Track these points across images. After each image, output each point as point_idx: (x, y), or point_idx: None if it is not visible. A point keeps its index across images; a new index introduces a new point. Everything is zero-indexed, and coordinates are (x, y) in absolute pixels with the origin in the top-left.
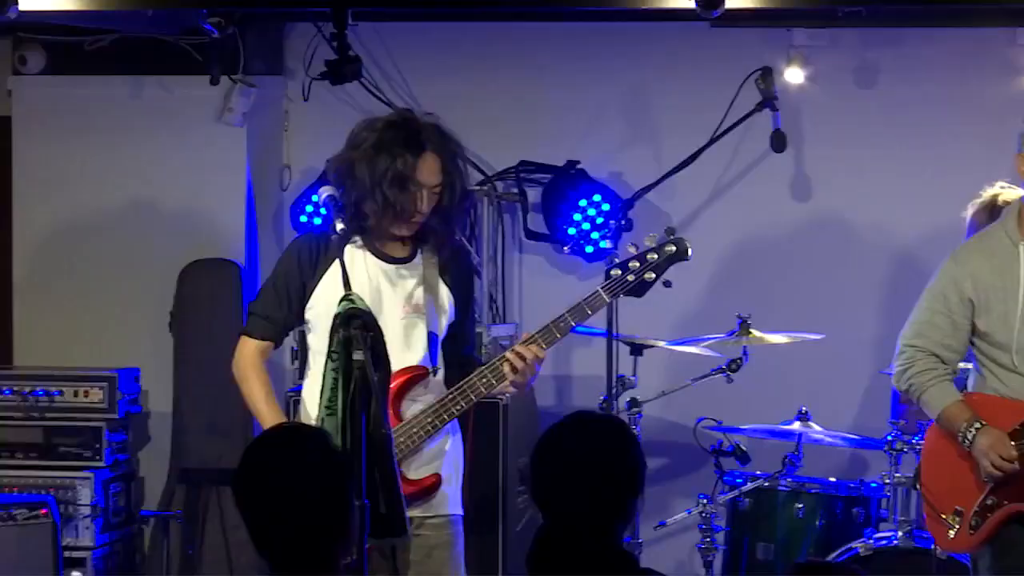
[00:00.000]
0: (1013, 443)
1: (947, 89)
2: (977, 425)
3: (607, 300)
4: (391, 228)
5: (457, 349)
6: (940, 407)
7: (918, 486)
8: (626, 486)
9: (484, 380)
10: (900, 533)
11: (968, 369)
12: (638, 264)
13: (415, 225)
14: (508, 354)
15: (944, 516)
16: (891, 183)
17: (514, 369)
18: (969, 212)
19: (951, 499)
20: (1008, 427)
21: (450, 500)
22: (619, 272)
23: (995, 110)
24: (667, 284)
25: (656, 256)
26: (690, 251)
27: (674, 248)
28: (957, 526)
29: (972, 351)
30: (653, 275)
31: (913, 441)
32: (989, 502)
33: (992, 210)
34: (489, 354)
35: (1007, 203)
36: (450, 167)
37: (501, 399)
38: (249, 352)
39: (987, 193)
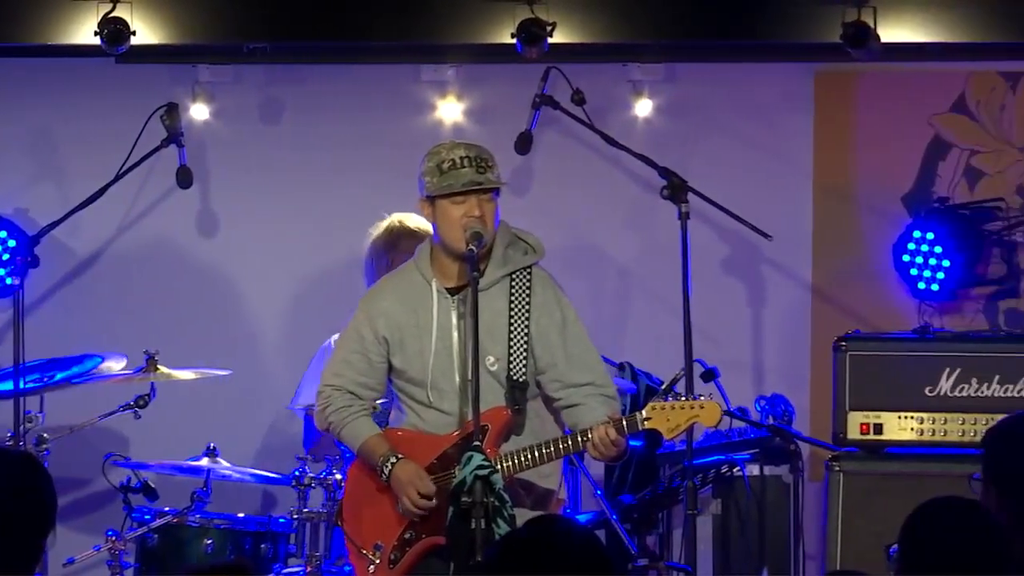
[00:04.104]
0: (431, 477)
1: (352, 126)
2: (393, 459)
3: None
4: None
5: None
6: (359, 442)
7: (339, 522)
8: (36, 523)
9: None
10: (309, 568)
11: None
12: None
13: None
14: None
15: (364, 551)
16: (297, 219)
17: None
18: (367, 241)
19: (371, 534)
20: (426, 461)
21: None
22: None
23: (400, 146)
24: None
25: None
26: None
27: None
28: (378, 560)
29: (392, 388)
30: None
31: (321, 476)
32: (408, 536)
33: (389, 237)
34: None
35: (399, 225)
36: None
37: None
38: None
39: (384, 222)
